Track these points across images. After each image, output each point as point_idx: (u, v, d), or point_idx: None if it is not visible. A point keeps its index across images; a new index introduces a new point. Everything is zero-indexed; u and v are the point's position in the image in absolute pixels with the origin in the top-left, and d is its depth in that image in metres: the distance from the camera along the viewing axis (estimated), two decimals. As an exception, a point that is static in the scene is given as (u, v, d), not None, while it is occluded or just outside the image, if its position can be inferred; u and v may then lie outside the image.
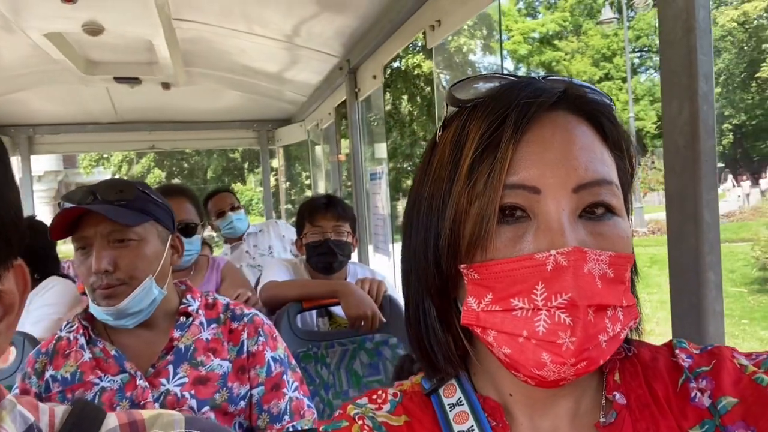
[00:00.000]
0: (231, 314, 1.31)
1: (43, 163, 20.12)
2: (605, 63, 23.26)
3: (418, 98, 15.64)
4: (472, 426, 0.53)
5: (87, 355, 1.22)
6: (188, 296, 1.32)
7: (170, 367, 1.23)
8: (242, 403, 1.24)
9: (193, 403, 1.21)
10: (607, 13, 19.84)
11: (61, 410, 0.54)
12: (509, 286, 0.48)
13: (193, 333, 1.27)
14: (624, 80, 21.63)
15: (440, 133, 0.55)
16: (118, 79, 2.80)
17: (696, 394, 0.53)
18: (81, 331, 1.25)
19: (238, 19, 2.22)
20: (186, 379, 1.22)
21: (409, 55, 14.31)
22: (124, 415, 0.55)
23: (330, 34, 2.24)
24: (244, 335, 1.28)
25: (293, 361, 1.31)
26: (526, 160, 0.49)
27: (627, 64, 19.66)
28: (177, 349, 1.25)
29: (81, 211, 1.15)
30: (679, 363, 0.56)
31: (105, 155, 18.38)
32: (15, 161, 3.49)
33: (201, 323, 1.29)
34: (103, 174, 20.40)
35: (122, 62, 2.67)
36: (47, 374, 1.21)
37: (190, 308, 1.29)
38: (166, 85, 2.98)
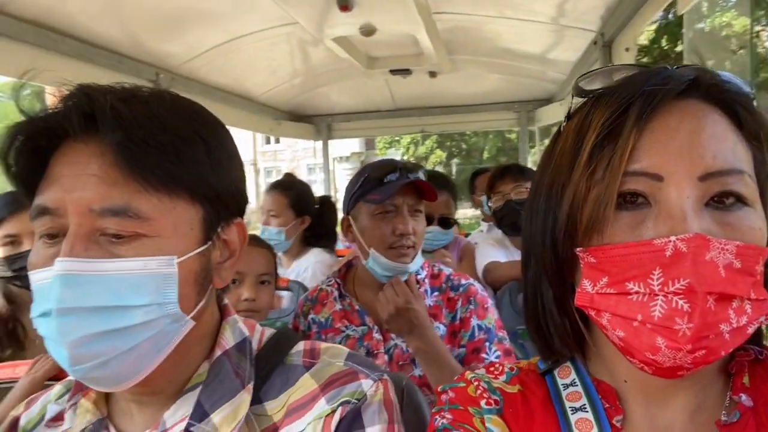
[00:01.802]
0: (451, 284, 1.43)
1: (349, 145, 23.60)
2: None
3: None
4: (584, 404, 0.54)
5: (338, 306, 1.49)
6: None
7: (399, 325, 1.41)
8: (456, 363, 1.36)
9: (415, 357, 1.37)
10: None
11: (269, 332, 0.73)
12: (625, 271, 0.48)
13: (422, 296, 1.44)
14: None
15: (565, 124, 0.55)
16: (393, 72, 3.17)
17: None
18: (336, 286, 1.53)
19: (489, 5, 2.29)
20: None
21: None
22: (309, 343, 0.71)
23: (584, 8, 2.14)
24: (459, 303, 1.39)
25: (502, 334, 1.36)
26: (650, 148, 0.48)
27: None
28: None
29: (415, 182, 1.37)
30: None
31: (396, 138, 20.53)
32: (318, 145, 4.26)
33: (426, 290, 1.44)
34: (394, 154, 22.94)
35: (395, 56, 3.00)
36: (310, 317, 1.51)
37: (419, 277, 1.46)
38: (432, 74, 3.24)
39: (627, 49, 1.87)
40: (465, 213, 11.05)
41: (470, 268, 2.21)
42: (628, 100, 0.49)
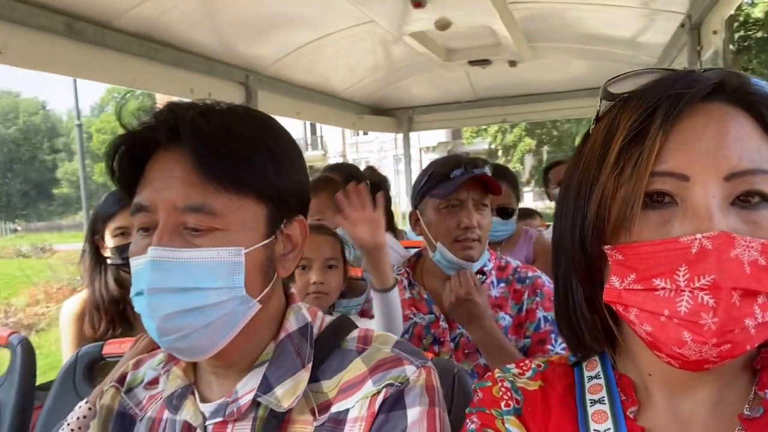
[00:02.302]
0: (517, 276, 1.45)
1: (435, 136, 23.53)
2: None
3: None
4: (603, 396, 0.56)
5: (407, 294, 1.55)
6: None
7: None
8: (518, 354, 1.38)
9: (481, 346, 1.40)
10: None
11: (329, 319, 0.80)
12: (652, 267, 0.50)
13: (485, 289, 1.47)
14: None
15: (593, 126, 0.57)
16: (472, 63, 3.17)
17: None
18: (405, 275, 1.60)
19: (568, -9, 2.24)
20: None
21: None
22: (363, 330, 0.78)
23: (671, -12, 2.05)
24: (525, 295, 1.40)
25: None
26: (677, 149, 0.50)
27: None
28: None
29: (481, 176, 1.40)
30: None
31: (483, 127, 20.18)
32: (399, 137, 4.34)
33: (492, 282, 1.47)
34: (481, 144, 22.58)
35: (473, 47, 3.00)
36: (381, 304, 1.59)
37: (485, 268, 1.49)
38: (512, 63, 3.20)
39: (715, 32, 1.77)
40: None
41: (546, 264, 2.18)
42: (654, 103, 0.51)
